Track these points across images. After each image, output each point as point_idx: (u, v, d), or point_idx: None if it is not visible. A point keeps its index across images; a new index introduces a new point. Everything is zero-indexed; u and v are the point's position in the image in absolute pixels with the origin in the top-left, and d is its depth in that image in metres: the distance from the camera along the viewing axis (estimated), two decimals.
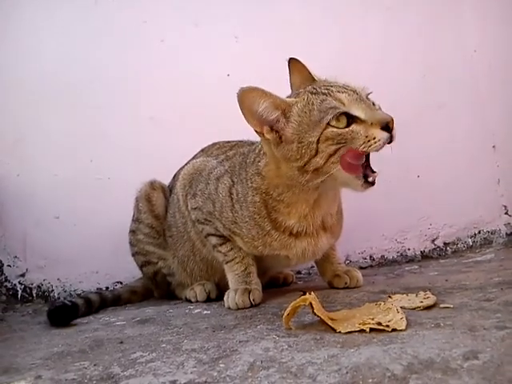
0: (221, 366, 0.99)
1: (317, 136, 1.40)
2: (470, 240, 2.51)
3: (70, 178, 2.44)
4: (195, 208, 1.80)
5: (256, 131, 1.51)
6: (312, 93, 1.47)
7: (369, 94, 1.49)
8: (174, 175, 2.11)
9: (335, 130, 1.39)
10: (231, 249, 1.74)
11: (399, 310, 1.19)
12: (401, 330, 1.08)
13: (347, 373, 0.87)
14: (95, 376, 1.02)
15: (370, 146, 1.37)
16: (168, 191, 2.11)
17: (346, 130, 1.38)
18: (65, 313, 1.74)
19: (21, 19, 2.50)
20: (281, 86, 2.48)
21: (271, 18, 2.59)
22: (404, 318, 1.14)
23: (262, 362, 0.98)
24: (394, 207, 2.45)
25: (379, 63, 2.57)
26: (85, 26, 2.54)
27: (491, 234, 2.51)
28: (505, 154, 2.51)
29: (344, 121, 1.39)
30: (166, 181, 2.15)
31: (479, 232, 2.52)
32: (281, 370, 0.93)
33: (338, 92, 1.42)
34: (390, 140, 1.38)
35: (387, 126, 1.36)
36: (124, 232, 2.13)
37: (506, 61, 2.43)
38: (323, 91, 1.45)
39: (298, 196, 1.56)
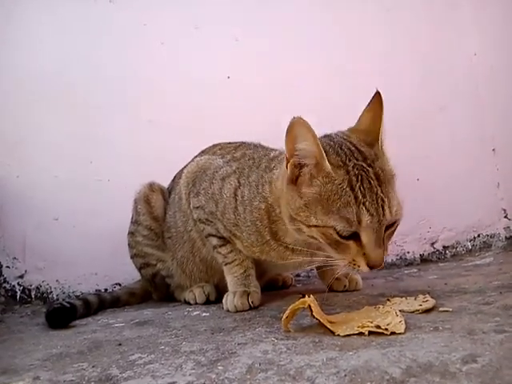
0: (219, 368, 0.99)
1: (319, 223, 1.32)
2: (469, 243, 2.51)
3: (69, 179, 2.44)
4: (197, 207, 1.79)
5: (286, 155, 1.40)
6: (350, 183, 1.29)
7: (394, 223, 1.33)
8: (174, 177, 2.10)
9: (335, 235, 1.30)
10: (231, 251, 1.73)
11: (398, 313, 1.19)
12: (400, 334, 1.09)
13: (346, 376, 0.87)
14: (93, 377, 1.02)
15: (348, 266, 1.33)
16: (167, 193, 2.11)
17: (344, 241, 1.30)
18: (63, 314, 1.74)
19: (21, 20, 2.50)
20: (281, 89, 2.52)
21: (271, 20, 2.59)
22: (403, 322, 1.13)
23: (260, 364, 0.99)
24: None
25: (379, 65, 2.57)
26: (85, 28, 2.53)
27: (490, 237, 2.51)
28: (505, 157, 2.51)
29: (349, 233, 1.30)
30: (166, 183, 2.15)
31: (478, 235, 2.52)
32: (279, 372, 0.93)
33: (368, 208, 1.26)
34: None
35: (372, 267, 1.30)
36: (123, 234, 2.13)
37: (506, 64, 2.44)
38: (359, 192, 1.27)
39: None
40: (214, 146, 1.98)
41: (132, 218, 2.09)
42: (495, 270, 1.93)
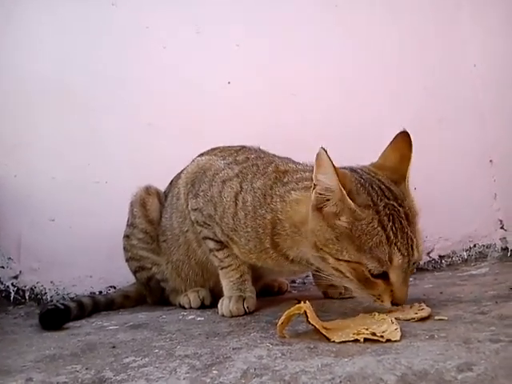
0: (214, 372, 0.99)
1: (351, 258, 1.29)
2: (465, 253, 2.51)
3: (67, 180, 2.43)
4: (195, 209, 1.78)
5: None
6: (382, 223, 1.27)
7: (415, 262, 1.34)
8: (171, 181, 2.10)
9: (367, 273, 1.28)
10: (228, 255, 1.72)
11: (394, 321, 1.19)
12: (395, 341, 1.08)
13: (341, 382, 0.87)
14: (87, 380, 1.02)
15: (373, 301, 1.34)
16: (163, 197, 2.10)
17: (373, 279, 1.29)
18: (57, 316, 1.73)
19: (21, 20, 2.50)
20: (281, 95, 2.53)
21: (273, 26, 2.60)
22: (398, 329, 1.13)
23: (255, 369, 0.98)
24: None
25: (379, 76, 2.58)
26: (85, 30, 2.54)
27: (486, 247, 2.51)
28: (502, 168, 2.51)
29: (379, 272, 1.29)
30: (163, 187, 2.15)
31: (474, 246, 2.52)
32: (274, 377, 0.92)
33: (400, 248, 1.26)
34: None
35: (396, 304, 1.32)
36: (119, 236, 2.12)
37: (505, 76, 2.44)
38: (391, 232, 1.26)
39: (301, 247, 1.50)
40: (214, 149, 1.96)
41: (128, 220, 2.08)
42: (491, 280, 1.92)
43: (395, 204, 1.31)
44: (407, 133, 1.47)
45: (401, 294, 1.29)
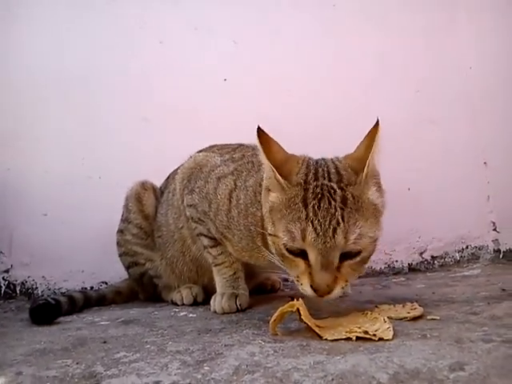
0: (205, 368, 0.98)
1: (270, 231, 1.32)
2: (457, 254, 2.52)
3: (60, 175, 2.42)
4: (190, 205, 1.77)
5: None
6: (305, 199, 1.25)
7: (356, 254, 1.25)
8: (168, 177, 2.09)
9: (283, 248, 1.27)
10: (221, 252, 1.72)
11: (386, 319, 1.19)
12: (387, 340, 1.08)
13: (333, 380, 0.86)
14: (77, 374, 1.01)
15: (296, 284, 1.29)
16: (159, 192, 2.10)
17: (291, 256, 1.27)
18: (47, 311, 1.72)
19: (16, 15, 2.49)
20: (278, 93, 2.53)
21: (270, 25, 2.60)
22: (391, 328, 1.13)
23: (247, 366, 0.98)
24: (383, 219, 2.45)
25: (374, 76, 2.58)
26: (81, 25, 2.53)
27: (479, 249, 2.52)
28: (496, 170, 2.53)
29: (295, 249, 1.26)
30: (158, 182, 2.14)
31: (467, 247, 2.53)
32: (266, 374, 0.92)
33: (315, 227, 1.21)
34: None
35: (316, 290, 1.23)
36: (112, 232, 2.11)
37: (500, 78, 2.45)
38: (312, 209, 1.23)
39: None
40: (212, 146, 1.96)
41: (122, 215, 2.07)
42: (483, 281, 1.93)
43: (335, 186, 1.26)
44: (377, 122, 1.40)
45: (318, 278, 1.20)
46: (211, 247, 1.74)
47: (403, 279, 2.26)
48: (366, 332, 1.12)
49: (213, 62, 2.56)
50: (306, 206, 1.24)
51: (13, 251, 2.37)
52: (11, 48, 2.48)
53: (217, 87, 2.53)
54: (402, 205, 2.47)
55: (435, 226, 2.52)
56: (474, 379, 0.81)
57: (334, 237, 1.20)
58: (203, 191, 1.72)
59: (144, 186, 2.08)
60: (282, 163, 1.32)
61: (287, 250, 1.26)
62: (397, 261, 2.50)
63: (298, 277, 1.26)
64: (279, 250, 1.30)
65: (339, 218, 1.21)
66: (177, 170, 1.97)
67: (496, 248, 2.50)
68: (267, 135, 1.35)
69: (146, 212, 2.04)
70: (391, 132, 2.46)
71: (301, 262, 1.25)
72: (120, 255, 2.10)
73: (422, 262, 2.52)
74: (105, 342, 1.29)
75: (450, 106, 2.61)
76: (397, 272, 2.48)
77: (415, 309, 1.34)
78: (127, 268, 2.10)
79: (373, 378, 0.85)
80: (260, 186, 1.54)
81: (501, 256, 2.47)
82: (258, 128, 1.34)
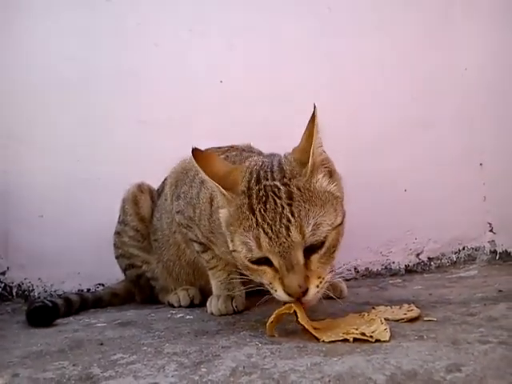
0: (202, 370, 0.98)
1: (231, 248, 1.29)
2: (454, 256, 2.52)
3: (57, 177, 2.42)
4: (178, 211, 1.76)
5: None
6: (251, 206, 1.23)
7: (320, 245, 1.21)
8: (164, 179, 2.08)
9: (244, 260, 1.25)
10: (212, 257, 1.72)
11: (383, 321, 1.19)
12: (384, 341, 1.09)
13: (330, 381, 0.86)
14: (74, 376, 1.01)
15: (271, 293, 1.25)
16: (156, 195, 2.09)
17: (256, 266, 1.24)
18: (45, 313, 1.71)
19: (14, 18, 2.49)
20: (273, 94, 2.53)
21: (267, 27, 2.59)
22: (388, 330, 1.14)
23: (244, 367, 0.98)
24: (380, 220, 2.46)
25: (369, 79, 2.58)
26: (77, 26, 2.52)
27: (475, 250, 2.52)
28: (492, 172, 2.53)
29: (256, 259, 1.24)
30: (154, 184, 2.14)
31: (463, 248, 2.53)
32: (263, 376, 0.92)
33: (267, 231, 1.18)
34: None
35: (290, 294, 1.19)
36: (108, 234, 2.11)
37: (496, 80, 2.46)
38: (259, 214, 1.21)
39: None
40: (205, 150, 1.94)
41: (119, 217, 2.07)
42: (479, 282, 1.93)
43: (278, 184, 1.23)
44: (314, 110, 1.34)
45: (288, 281, 1.17)
46: (202, 252, 1.73)
47: (400, 281, 2.26)
48: (362, 334, 1.12)
49: (208, 63, 2.55)
50: (253, 212, 1.22)
51: (9, 253, 2.36)
52: (9, 49, 2.47)
53: (213, 89, 2.53)
54: (398, 206, 2.49)
55: (432, 228, 2.52)
56: (471, 380, 0.81)
57: (288, 235, 1.17)
58: (188, 196, 1.70)
59: (141, 188, 2.08)
60: (226, 176, 1.30)
61: (250, 261, 1.24)
62: (393, 262, 2.51)
63: (270, 284, 1.23)
64: (243, 264, 1.27)
65: (288, 214, 1.18)
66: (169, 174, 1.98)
67: (492, 249, 2.51)
68: (204, 153, 1.33)
69: (142, 214, 2.04)
70: (388, 134, 2.50)
71: (268, 270, 1.22)
72: (117, 257, 2.10)
73: (418, 263, 2.52)
74: (101, 344, 1.29)
75: (446, 108, 2.61)
76: (393, 273, 2.48)
77: (412, 310, 1.34)
78: (124, 270, 2.10)
79: (370, 379, 0.85)
80: None
81: (497, 257, 2.47)
82: (193, 149, 1.31)
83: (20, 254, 2.36)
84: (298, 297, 1.17)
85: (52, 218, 2.39)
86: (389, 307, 1.41)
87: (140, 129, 2.50)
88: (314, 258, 1.20)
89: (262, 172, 1.29)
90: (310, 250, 1.19)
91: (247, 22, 2.59)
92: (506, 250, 2.43)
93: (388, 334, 1.12)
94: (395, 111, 2.56)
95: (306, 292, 1.17)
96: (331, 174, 1.32)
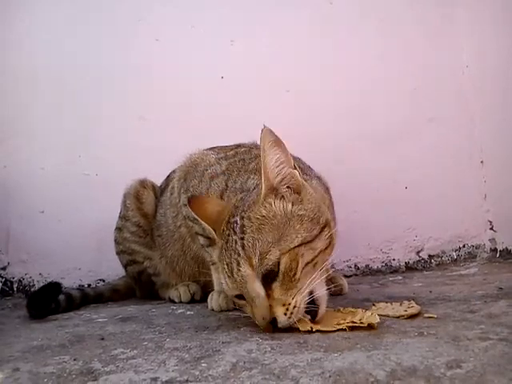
0: (203, 365, 0.98)
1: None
2: (454, 253, 2.52)
3: (57, 172, 2.43)
4: (186, 204, 1.76)
5: None
6: (222, 253, 1.28)
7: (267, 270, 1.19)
8: (168, 176, 2.08)
9: (233, 298, 1.32)
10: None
11: (363, 310, 1.23)
12: (376, 324, 1.14)
13: (330, 376, 0.86)
14: (75, 370, 1.01)
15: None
16: (159, 191, 2.09)
17: (238, 301, 1.30)
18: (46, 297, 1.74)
19: (14, 17, 2.48)
20: (274, 90, 2.52)
21: (268, 24, 2.60)
22: (375, 314, 1.16)
23: (244, 362, 0.98)
24: (381, 217, 2.46)
25: (371, 75, 2.58)
26: (76, 21, 2.52)
27: (476, 248, 2.53)
28: (492, 169, 2.53)
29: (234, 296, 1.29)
30: (154, 180, 2.14)
31: (464, 246, 2.53)
32: (263, 371, 0.92)
33: (226, 271, 1.25)
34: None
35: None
36: (109, 229, 2.11)
37: (497, 77, 2.45)
38: (224, 256, 1.26)
39: None
40: (214, 147, 1.92)
41: (120, 212, 2.07)
42: (480, 279, 1.93)
43: (238, 219, 1.26)
44: (262, 131, 1.29)
45: (254, 315, 1.21)
46: (207, 246, 1.73)
47: (400, 278, 2.26)
48: (353, 322, 1.15)
49: (210, 59, 2.56)
50: (223, 254, 1.27)
51: (10, 248, 2.37)
52: (9, 45, 2.48)
53: (214, 85, 2.53)
54: (399, 204, 2.49)
55: (432, 225, 2.52)
56: (471, 377, 0.81)
57: (239, 270, 1.20)
58: (197, 191, 1.71)
59: (143, 184, 2.08)
60: (218, 218, 1.33)
61: (234, 297, 1.29)
62: (394, 259, 2.51)
63: (253, 316, 1.25)
64: (233, 299, 1.33)
65: (239, 248, 1.21)
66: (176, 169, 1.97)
67: (493, 247, 2.51)
68: (199, 199, 1.43)
69: (145, 210, 2.04)
70: (389, 130, 2.50)
71: (245, 303, 1.27)
72: (118, 253, 2.10)
73: (418, 260, 2.52)
74: (102, 339, 1.29)
75: (447, 105, 2.61)
76: (394, 271, 2.49)
77: (412, 307, 1.34)
78: (125, 266, 2.10)
79: (370, 375, 0.85)
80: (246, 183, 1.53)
81: (497, 255, 2.47)
82: (189, 199, 1.41)
83: (21, 249, 2.37)
84: (269, 330, 1.20)
85: (53, 214, 2.40)
86: (389, 304, 1.41)
87: (140, 125, 2.50)
88: (275, 285, 1.19)
89: (234, 209, 1.31)
90: (268, 279, 1.19)
91: (248, 18, 2.59)
92: (506, 248, 2.43)
93: (377, 318, 1.15)
94: (396, 109, 2.56)
95: (272, 320, 1.18)
96: (296, 190, 1.29)
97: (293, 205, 1.26)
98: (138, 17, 2.56)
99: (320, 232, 1.26)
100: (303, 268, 1.21)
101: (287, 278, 1.19)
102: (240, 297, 1.26)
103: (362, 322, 1.14)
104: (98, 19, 2.53)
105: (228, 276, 1.23)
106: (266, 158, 1.24)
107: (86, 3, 2.53)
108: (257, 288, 1.18)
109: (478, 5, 2.60)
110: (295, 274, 1.19)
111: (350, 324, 1.14)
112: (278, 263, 1.18)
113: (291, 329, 1.22)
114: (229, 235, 1.25)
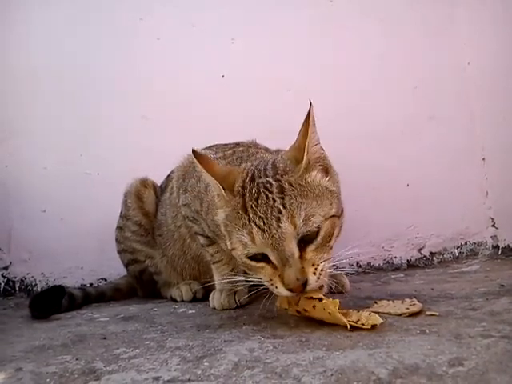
0: (205, 364, 0.99)
1: (230, 247, 1.32)
2: (456, 251, 2.52)
3: (58, 171, 2.43)
4: (185, 204, 1.77)
5: None
6: (244, 205, 1.26)
7: (314, 235, 1.23)
8: (168, 175, 2.09)
9: (245, 259, 1.28)
10: (217, 251, 1.71)
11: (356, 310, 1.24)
12: (376, 327, 1.14)
13: (332, 375, 0.87)
14: (77, 370, 1.01)
15: (271, 289, 1.26)
16: (159, 190, 2.09)
17: (254, 263, 1.27)
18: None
19: (14, 16, 2.48)
20: (275, 89, 2.52)
21: (269, 23, 2.59)
22: (374, 314, 1.17)
23: (246, 361, 0.98)
24: (382, 215, 2.46)
25: (372, 73, 2.58)
26: (79, 21, 2.52)
27: (477, 245, 2.52)
28: (494, 167, 2.52)
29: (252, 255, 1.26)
30: (155, 179, 2.14)
31: (465, 243, 2.53)
32: (265, 370, 0.92)
33: (259, 224, 1.22)
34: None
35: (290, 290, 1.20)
36: (111, 228, 2.12)
37: (498, 74, 2.45)
38: (251, 210, 1.24)
39: None
40: (211, 146, 1.92)
41: (121, 212, 2.07)
42: (481, 277, 1.93)
43: (270, 180, 1.27)
44: (310, 108, 1.36)
45: (287, 275, 1.18)
46: (207, 246, 1.74)
47: (402, 275, 2.25)
48: (353, 321, 1.16)
49: (210, 58, 2.55)
50: (246, 210, 1.25)
51: (12, 248, 2.37)
52: (9, 45, 2.48)
53: (215, 83, 2.53)
54: (400, 201, 2.48)
55: (434, 222, 2.52)
56: (473, 374, 0.81)
57: (279, 226, 1.19)
58: (195, 190, 1.71)
59: (144, 183, 2.08)
60: (225, 177, 1.34)
61: (248, 258, 1.26)
62: (395, 257, 2.51)
63: (271, 281, 1.24)
64: (243, 261, 1.29)
65: (280, 206, 1.21)
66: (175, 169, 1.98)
67: (494, 244, 2.50)
68: (204, 155, 1.39)
69: (146, 209, 2.04)
70: (390, 129, 2.50)
71: (266, 267, 1.24)
72: (119, 252, 2.10)
73: (420, 258, 2.52)
74: (104, 338, 1.30)
75: (449, 102, 2.61)
76: (395, 268, 2.48)
77: (414, 305, 1.34)
78: (126, 265, 2.10)
79: (372, 373, 0.85)
80: None
81: (499, 252, 2.46)
82: (193, 150, 1.36)
83: (23, 248, 2.37)
84: (299, 291, 1.19)
85: (54, 213, 2.40)
86: (391, 302, 1.40)
87: (141, 124, 2.50)
88: (309, 249, 1.22)
89: (256, 171, 1.33)
90: (304, 241, 1.21)
91: (248, 16, 2.59)
92: (508, 245, 2.42)
93: (378, 317, 1.16)
94: (397, 106, 2.55)
95: (305, 283, 1.19)
96: (327, 170, 1.35)
97: (325, 181, 1.32)
98: (139, 16, 2.56)
99: (341, 213, 1.34)
100: (335, 238, 1.28)
101: (323, 243, 1.23)
102: (257, 259, 1.25)
103: (363, 324, 1.14)
104: (98, 19, 2.53)
105: (262, 230, 1.20)
106: (311, 134, 1.31)
107: (86, 3, 2.53)
108: (293, 247, 1.20)
109: (478, 5, 2.59)
110: (330, 240, 1.26)
111: (352, 324, 1.14)
112: (319, 227, 1.22)
113: (291, 328, 1.23)
114: (258, 193, 1.25)
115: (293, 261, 1.19)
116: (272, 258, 1.21)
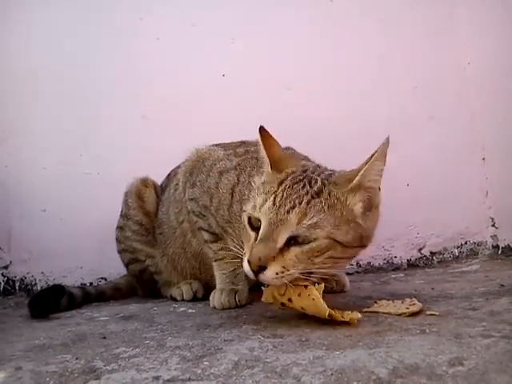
0: (205, 363, 0.99)
1: (243, 209, 1.39)
2: (456, 250, 2.52)
3: (58, 171, 2.42)
4: (192, 199, 1.76)
5: None
6: (281, 181, 1.32)
7: (307, 241, 1.23)
8: (168, 174, 2.09)
9: (246, 222, 1.33)
10: (222, 248, 1.71)
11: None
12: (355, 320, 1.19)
13: (332, 374, 0.86)
14: (77, 369, 1.01)
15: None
16: (160, 190, 2.09)
17: (249, 230, 1.31)
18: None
19: (14, 16, 2.48)
20: (275, 88, 2.52)
21: (269, 23, 2.59)
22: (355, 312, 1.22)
23: (246, 361, 0.98)
24: (382, 214, 2.45)
25: (372, 73, 2.58)
26: (79, 21, 2.52)
27: (477, 245, 2.52)
28: (494, 166, 2.52)
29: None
30: (156, 179, 2.14)
31: (466, 243, 2.53)
32: (265, 369, 0.92)
33: (275, 200, 1.26)
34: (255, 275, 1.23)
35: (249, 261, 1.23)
36: (111, 228, 2.11)
37: (498, 74, 2.45)
38: (281, 188, 1.29)
39: None
40: (216, 144, 1.92)
41: (121, 211, 2.07)
42: (481, 277, 1.93)
43: (318, 179, 1.31)
44: (387, 139, 1.36)
45: (255, 248, 1.22)
46: (211, 242, 1.74)
47: (402, 275, 2.26)
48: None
49: (211, 57, 2.55)
50: (279, 185, 1.30)
51: (12, 247, 2.37)
52: (9, 45, 2.47)
53: (215, 83, 2.53)
54: (400, 201, 2.47)
55: (434, 222, 2.52)
56: (473, 374, 0.81)
57: (288, 212, 1.22)
58: (205, 185, 1.71)
59: (145, 182, 2.08)
60: (278, 161, 1.38)
61: (248, 222, 1.30)
62: (396, 257, 2.51)
63: (246, 249, 1.28)
64: (244, 224, 1.33)
65: (304, 200, 1.24)
66: (176, 167, 1.97)
67: (494, 244, 2.50)
68: (269, 134, 1.41)
69: (147, 209, 2.03)
70: (390, 128, 2.48)
71: (253, 236, 1.28)
72: (119, 252, 2.09)
73: (420, 257, 2.52)
74: (104, 338, 1.30)
75: (449, 102, 2.61)
76: (396, 268, 2.48)
77: (414, 304, 1.34)
78: (126, 265, 2.10)
79: (372, 372, 0.85)
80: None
81: (499, 252, 2.47)
82: (261, 127, 1.40)
83: (22, 248, 2.37)
84: (255, 269, 1.21)
85: (54, 213, 2.40)
86: (391, 301, 1.41)
87: (141, 124, 2.50)
88: (293, 250, 1.23)
89: (312, 168, 1.40)
90: (294, 241, 1.22)
91: (248, 16, 2.59)
92: (508, 245, 2.43)
93: (358, 313, 1.21)
94: (397, 106, 2.55)
95: (263, 270, 1.20)
96: (371, 205, 1.36)
97: (362, 213, 1.32)
98: (139, 16, 2.55)
99: (356, 247, 1.32)
100: (324, 259, 1.25)
101: (309, 253, 1.23)
102: (253, 227, 1.29)
103: (342, 317, 1.19)
104: (98, 19, 2.53)
105: (274, 204, 1.25)
106: (373, 162, 1.31)
107: (86, 3, 2.53)
108: (281, 236, 1.22)
109: (478, 5, 2.59)
110: (317, 257, 1.24)
111: (331, 313, 1.19)
112: (315, 239, 1.22)
113: (291, 328, 1.23)
114: (300, 181, 1.30)
115: (270, 244, 1.21)
116: (261, 230, 1.24)
